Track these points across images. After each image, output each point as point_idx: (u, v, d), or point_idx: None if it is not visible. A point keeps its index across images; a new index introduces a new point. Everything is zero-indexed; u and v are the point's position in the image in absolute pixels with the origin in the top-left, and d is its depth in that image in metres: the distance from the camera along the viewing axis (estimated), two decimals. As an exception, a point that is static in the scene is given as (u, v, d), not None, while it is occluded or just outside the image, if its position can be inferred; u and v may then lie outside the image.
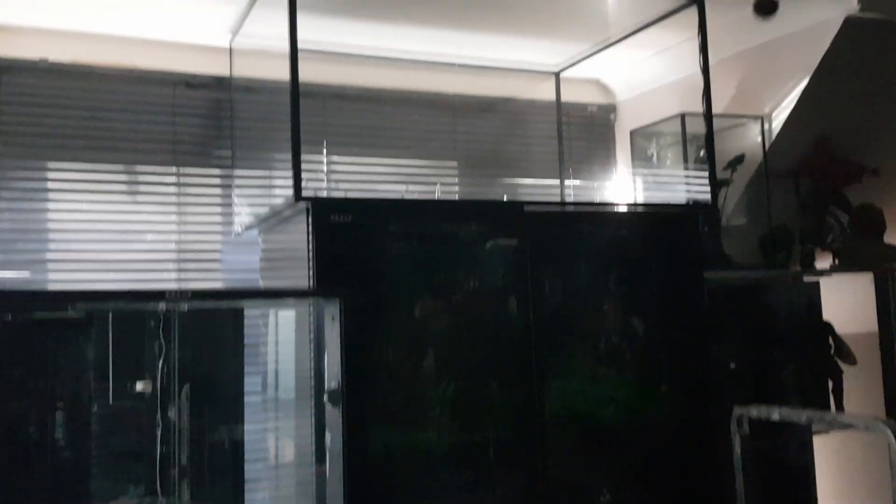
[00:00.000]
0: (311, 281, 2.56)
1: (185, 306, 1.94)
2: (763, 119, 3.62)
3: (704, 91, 3.23)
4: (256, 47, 3.42)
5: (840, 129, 3.45)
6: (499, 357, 2.85)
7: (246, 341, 2.96)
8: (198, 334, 2.43)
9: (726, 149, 3.59)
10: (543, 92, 4.25)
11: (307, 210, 2.62)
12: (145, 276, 3.40)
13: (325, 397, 2.23)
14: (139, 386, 2.57)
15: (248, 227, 3.39)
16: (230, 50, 3.61)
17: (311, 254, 2.58)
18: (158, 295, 1.90)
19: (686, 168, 3.76)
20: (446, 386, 2.76)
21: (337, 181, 3.76)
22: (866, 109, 3.47)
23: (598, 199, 4.29)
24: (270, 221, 3.16)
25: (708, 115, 3.23)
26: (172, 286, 3.44)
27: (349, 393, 2.31)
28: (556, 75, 4.22)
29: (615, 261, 3.10)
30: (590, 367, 3.01)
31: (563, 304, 2.99)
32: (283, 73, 2.81)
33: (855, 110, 3.45)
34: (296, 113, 2.65)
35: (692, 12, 3.32)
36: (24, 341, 2.26)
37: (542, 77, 4.22)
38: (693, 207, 3.34)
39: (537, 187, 4.18)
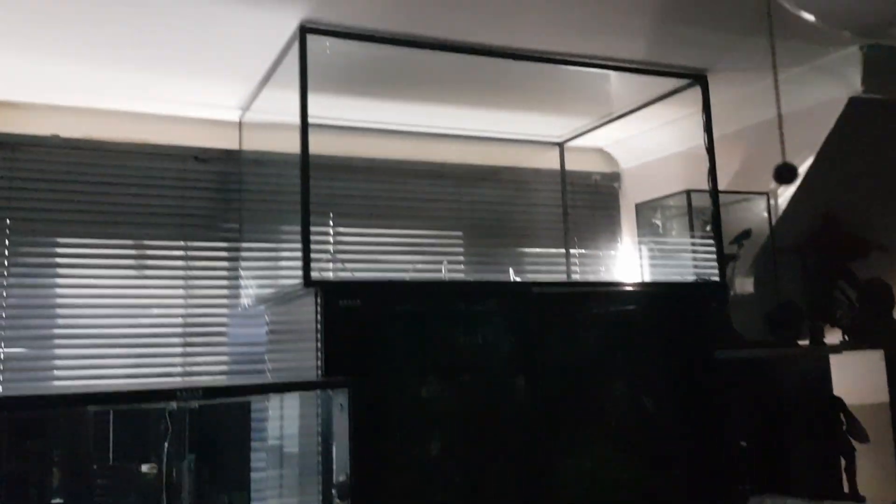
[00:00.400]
0: (319, 364, 2.56)
1: (195, 404, 1.93)
2: (769, 195, 3.64)
3: (710, 171, 3.25)
4: (266, 121, 3.47)
5: (847, 206, 3.47)
6: (507, 438, 2.82)
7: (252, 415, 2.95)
8: (205, 415, 2.42)
9: (732, 220, 3.60)
10: (547, 161, 4.28)
11: (315, 294, 2.63)
12: (151, 351, 3.41)
13: (334, 491, 2.21)
14: (144, 468, 2.55)
15: (256, 303, 3.40)
16: (240, 124, 3.66)
17: (319, 339, 2.58)
18: (169, 395, 1.89)
19: (692, 237, 3.77)
20: (454, 470, 2.73)
21: (343, 253, 3.77)
22: (872, 186, 3.49)
23: (603, 270, 4.29)
24: (278, 299, 3.16)
25: (714, 195, 3.25)
26: (178, 360, 3.45)
27: (357, 484, 2.29)
28: (560, 146, 4.26)
29: (625, 339, 3.08)
30: (600, 447, 2.98)
31: (573, 383, 2.97)
32: (292, 146, 2.85)
33: (861, 187, 3.47)
34: (306, 202, 2.68)
35: (695, 89, 3.38)
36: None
37: (546, 148, 4.26)
38: (701, 286, 3.33)
39: (543, 257, 4.19)
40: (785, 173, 2.37)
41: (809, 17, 1.71)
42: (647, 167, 4.30)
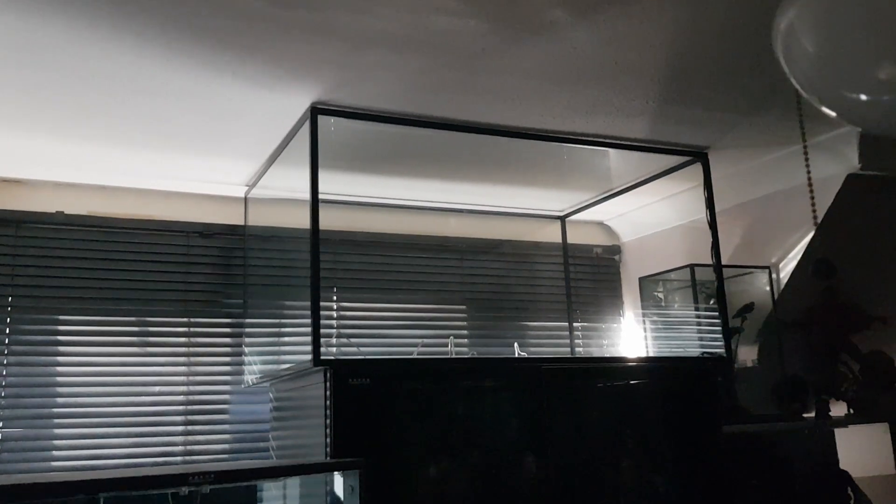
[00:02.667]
0: (328, 443, 2.52)
1: (206, 489, 1.90)
2: (770, 269, 3.68)
3: (713, 246, 3.28)
4: (272, 196, 3.49)
5: (846, 279, 3.50)
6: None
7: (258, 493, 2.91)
8: (211, 497, 2.38)
9: (734, 293, 3.62)
10: (549, 235, 4.32)
11: (325, 372, 2.61)
12: (152, 430, 3.36)
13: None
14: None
15: (260, 381, 3.36)
16: (245, 199, 3.68)
17: (328, 418, 2.55)
18: (180, 479, 1.86)
19: (697, 310, 3.77)
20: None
21: (347, 328, 3.75)
22: (872, 259, 3.53)
23: (607, 343, 4.29)
24: (283, 377, 3.14)
25: (718, 271, 3.27)
26: (179, 439, 3.40)
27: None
28: (562, 220, 4.30)
29: (633, 414, 3.07)
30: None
31: (582, 459, 2.94)
32: (298, 221, 2.85)
33: (861, 260, 3.51)
34: (316, 281, 2.67)
35: (695, 165, 3.43)
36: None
37: (548, 221, 4.30)
38: (707, 361, 3.33)
39: (546, 329, 4.18)
40: (823, 269, 2.41)
41: (831, 113, 1.77)
42: (647, 240, 4.34)
